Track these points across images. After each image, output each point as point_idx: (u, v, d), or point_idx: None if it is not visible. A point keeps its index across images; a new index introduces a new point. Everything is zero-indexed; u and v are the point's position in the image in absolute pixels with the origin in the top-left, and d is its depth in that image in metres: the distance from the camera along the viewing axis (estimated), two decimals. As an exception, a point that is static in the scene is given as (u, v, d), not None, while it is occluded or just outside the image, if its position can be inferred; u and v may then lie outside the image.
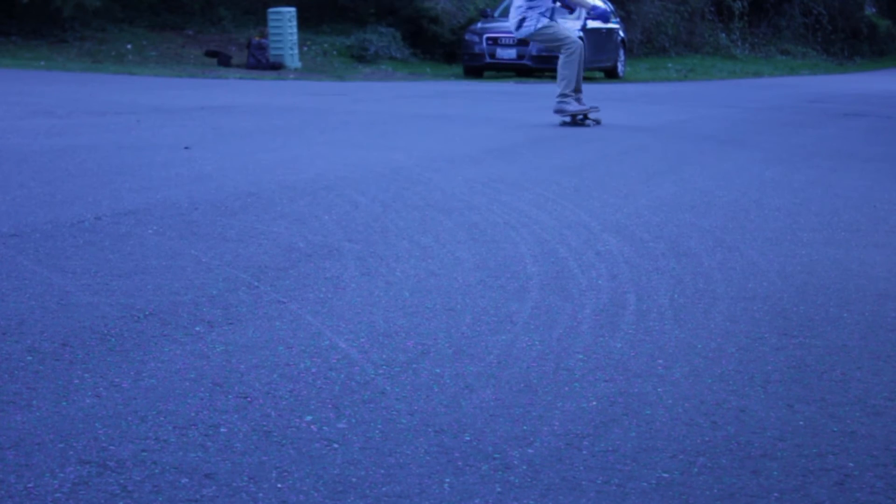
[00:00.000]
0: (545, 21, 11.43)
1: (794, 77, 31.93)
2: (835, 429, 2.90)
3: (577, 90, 11.51)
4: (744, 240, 5.43)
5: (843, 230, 5.81)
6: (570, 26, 12.96)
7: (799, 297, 4.31)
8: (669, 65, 32.15)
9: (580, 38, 13.30)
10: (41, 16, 22.81)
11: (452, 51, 26.54)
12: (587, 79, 23.67)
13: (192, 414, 2.80)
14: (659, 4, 34.73)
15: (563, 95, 11.46)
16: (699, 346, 3.60)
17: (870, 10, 42.81)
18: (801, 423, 2.94)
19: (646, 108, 15.62)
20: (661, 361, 3.42)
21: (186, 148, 8.11)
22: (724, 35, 38.04)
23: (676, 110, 15.49)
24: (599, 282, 4.43)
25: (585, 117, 11.64)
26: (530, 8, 11.41)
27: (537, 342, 3.56)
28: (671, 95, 19.81)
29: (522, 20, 11.47)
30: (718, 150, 9.98)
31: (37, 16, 22.84)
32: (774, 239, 5.48)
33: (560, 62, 11.54)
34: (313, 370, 3.18)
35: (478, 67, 24.11)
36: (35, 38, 22.87)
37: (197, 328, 3.53)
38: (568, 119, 11.57)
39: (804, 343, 3.69)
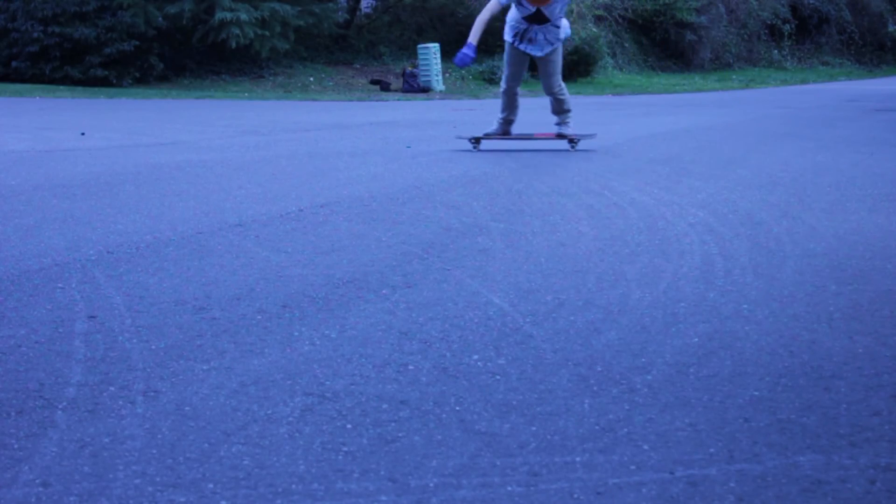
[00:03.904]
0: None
1: (833, 83, 31.06)
2: (887, 354, 2.88)
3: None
4: (804, 210, 5.34)
5: (882, 200, 5.69)
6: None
7: (851, 253, 4.24)
8: (734, 76, 31.55)
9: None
10: (244, 58, 23.23)
11: (562, 72, 26.30)
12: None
13: (386, 355, 2.84)
14: (724, 29, 34.14)
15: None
16: (775, 293, 3.56)
17: (892, 27, 41.59)
18: (860, 350, 2.91)
19: (717, 111, 15.36)
20: (745, 306, 3.39)
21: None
22: (776, 51, 37.28)
23: (742, 112, 15.20)
24: (692, 246, 4.39)
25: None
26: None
27: (647, 294, 3.55)
28: (737, 100, 19.43)
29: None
30: (778, 142, 9.78)
31: (241, 58, 23.27)
32: (828, 209, 5.38)
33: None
34: (475, 320, 3.21)
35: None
36: (240, 76, 23.29)
37: (384, 291, 3.58)
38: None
39: (858, 289, 3.64)
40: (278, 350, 2.88)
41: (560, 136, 8.85)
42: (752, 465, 2.12)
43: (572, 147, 8.77)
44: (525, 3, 8.07)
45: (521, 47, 8.41)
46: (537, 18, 8.20)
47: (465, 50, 8.10)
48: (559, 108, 8.77)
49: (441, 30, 26.59)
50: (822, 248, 4.35)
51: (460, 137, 9.16)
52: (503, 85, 8.72)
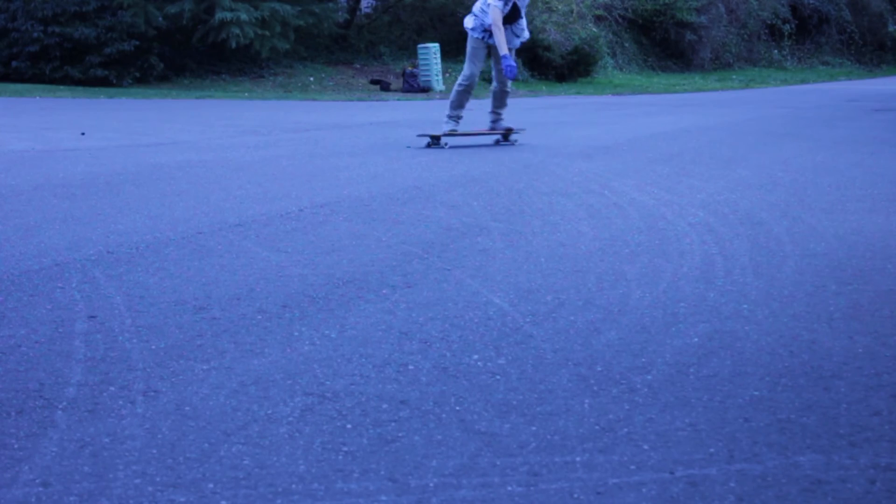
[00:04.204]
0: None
1: (833, 82, 31.01)
2: (887, 354, 2.88)
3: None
4: (804, 210, 5.34)
5: (882, 200, 5.69)
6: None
7: (851, 254, 4.25)
8: (734, 76, 31.52)
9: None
10: (244, 58, 23.21)
11: (562, 72, 26.32)
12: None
13: (386, 355, 2.84)
14: (724, 29, 34.13)
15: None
16: (775, 293, 3.56)
17: (892, 27, 41.60)
18: (860, 350, 2.92)
19: (717, 111, 15.34)
20: (745, 306, 3.39)
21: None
22: (776, 51, 37.28)
23: (742, 112, 15.19)
24: (692, 246, 4.39)
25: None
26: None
27: (647, 294, 3.55)
28: (737, 100, 19.41)
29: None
30: (778, 142, 9.77)
31: (241, 58, 23.25)
32: (828, 209, 5.38)
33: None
34: (476, 320, 3.21)
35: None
36: (240, 75, 23.27)
37: (384, 291, 3.58)
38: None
39: (858, 289, 3.64)
40: (278, 350, 2.88)
41: (509, 131, 9.33)
42: (752, 465, 2.12)
43: (511, 142, 9.29)
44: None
45: (490, 41, 8.81)
46: (510, 16, 8.71)
47: (507, 62, 8.58)
48: (503, 102, 9.24)
49: (441, 30, 26.57)
50: (822, 248, 4.35)
51: (421, 135, 9.35)
52: (465, 81, 9.02)
